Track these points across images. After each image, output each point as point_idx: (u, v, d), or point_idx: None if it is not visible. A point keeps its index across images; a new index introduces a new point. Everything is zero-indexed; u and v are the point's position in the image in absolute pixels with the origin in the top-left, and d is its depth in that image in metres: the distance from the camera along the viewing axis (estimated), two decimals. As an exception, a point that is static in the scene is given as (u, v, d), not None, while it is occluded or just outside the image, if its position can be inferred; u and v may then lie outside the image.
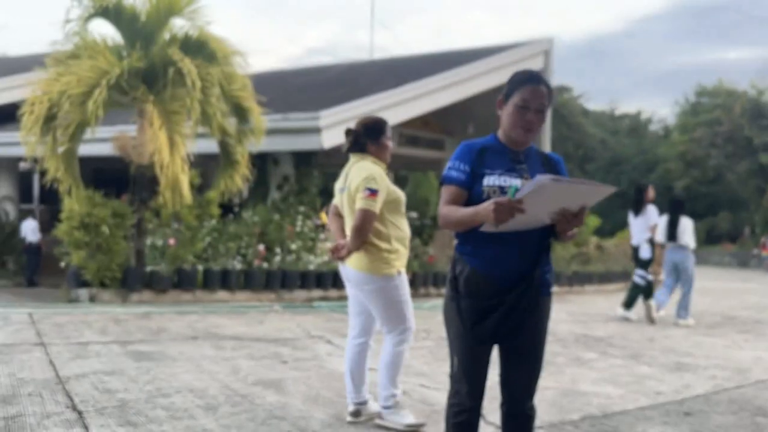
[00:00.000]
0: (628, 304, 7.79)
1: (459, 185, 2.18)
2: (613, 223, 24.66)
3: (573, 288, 11.38)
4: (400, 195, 3.27)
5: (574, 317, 7.90)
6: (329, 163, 12.03)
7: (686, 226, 7.69)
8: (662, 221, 7.71)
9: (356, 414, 3.32)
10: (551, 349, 5.62)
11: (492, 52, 12.17)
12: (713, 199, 32.95)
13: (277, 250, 8.50)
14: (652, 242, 7.66)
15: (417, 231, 13.01)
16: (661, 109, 71.49)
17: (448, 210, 2.17)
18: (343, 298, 8.48)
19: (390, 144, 3.34)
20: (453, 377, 2.27)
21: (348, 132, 3.32)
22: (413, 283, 9.30)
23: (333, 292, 8.53)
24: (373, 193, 3.09)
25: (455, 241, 2.27)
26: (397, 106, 10.45)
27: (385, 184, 3.17)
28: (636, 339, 6.42)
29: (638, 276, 7.72)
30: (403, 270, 3.26)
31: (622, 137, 39.13)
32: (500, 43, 13.62)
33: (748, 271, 21.34)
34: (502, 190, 2.12)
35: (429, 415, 3.47)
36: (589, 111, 40.27)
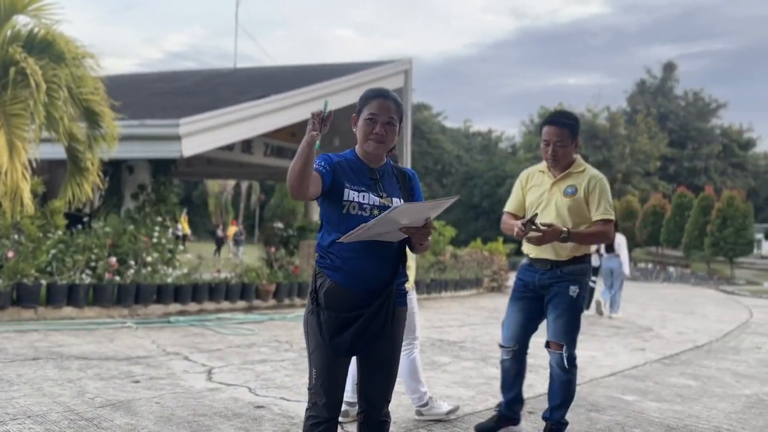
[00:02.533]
0: (587, 305, 9.30)
1: (317, 171, 2.22)
2: (466, 234, 25.99)
3: (431, 295, 11.91)
4: None
5: (431, 323, 8.28)
6: (190, 172, 11.62)
7: (621, 241, 9.82)
8: None
9: (345, 414, 3.63)
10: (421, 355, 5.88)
11: (357, 68, 12.51)
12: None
13: (132, 262, 8.06)
14: (599, 253, 9.59)
15: (283, 241, 12.95)
16: (510, 128, 77.06)
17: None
18: (204, 311, 8.26)
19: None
20: (311, 389, 2.32)
21: None
22: (276, 294, 9.24)
23: (192, 306, 8.24)
24: None
25: (316, 255, 2.35)
26: (262, 117, 10.38)
27: None
28: (485, 342, 6.87)
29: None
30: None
31: (475, 154, 41.59)
32: (365, 60, 14.03)
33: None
34: (360, 206, 2.23)
35: (288, 428, 3.50)
36: (447, 128, 42.38)
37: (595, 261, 9.56)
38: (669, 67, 44.64)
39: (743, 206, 23.63)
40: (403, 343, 3.41)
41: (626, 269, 10.08)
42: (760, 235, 29.89)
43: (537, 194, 3.47)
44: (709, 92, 63.89)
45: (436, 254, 12.86)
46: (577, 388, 4.79)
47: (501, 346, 3.59)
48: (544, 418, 3.52)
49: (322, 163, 2.26)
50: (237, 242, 25.55)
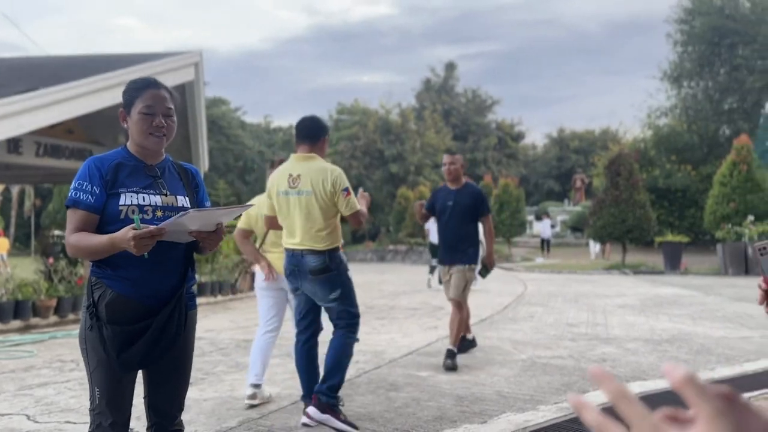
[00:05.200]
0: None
1: (88, 209, 2.03)
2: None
3: (236, 295, 11.62)
4: None
5: (236, 324, 8.09)
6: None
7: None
8: None
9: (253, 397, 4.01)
10: (212, 359, 5.68)
11: (141, 59, 11.65)
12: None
13: None
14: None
15: (63, 251, 11.64)
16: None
17: (78, 239, 2.00)
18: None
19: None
20: (94, 410, 2.11)
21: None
22: (58, 310, 8.31)
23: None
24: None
25: (90, 264, 2.14)
26: (29, 113, 9.22)
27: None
28: (291, 338, 6.87)
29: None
30: None
31: (277, 149, 41.38)
32: (152, 51, 13.13)
33: (385, 264, 24.76)
34: (141, 209, 2.08)
35: (76, 453, 3.17)
36: (247, 124, 41.53)
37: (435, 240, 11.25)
38: (450, 67, 48.60)
39: (516, 192, 26.59)
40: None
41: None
42: (531, 217, 33.91)
43: None
44: (485, 90, 70.80)
45: (241, 253, 12.56)
46: (379, 371, 5.03)
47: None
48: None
49: (91, 199, 2.03)
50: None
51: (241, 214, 3.78)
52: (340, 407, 3.65)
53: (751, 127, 24.47)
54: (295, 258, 3.60)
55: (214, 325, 8.00)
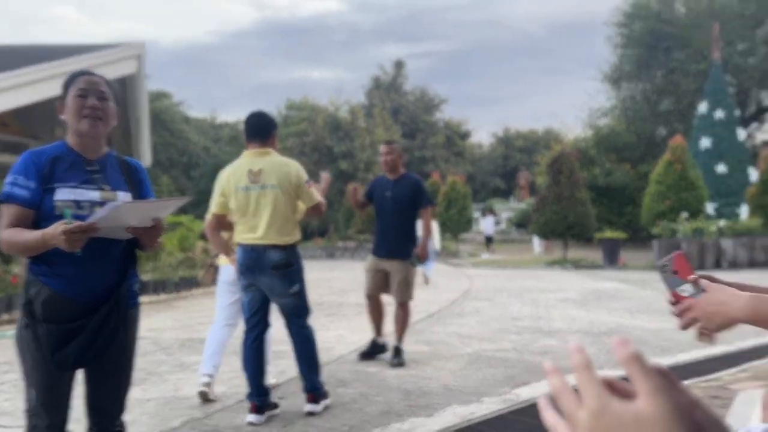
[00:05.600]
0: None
1: (23, 204, 1.97)
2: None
3: (180, 294, 11.37)
4: None
5: (181, 323, 7.93)
6: None
7: (435, 227, 12.49)
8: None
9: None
10: (155, 358, 5.56)
11: (80, 50, 11.25)
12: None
13: None
14: None
15: (-5, 249, 11.14)
16: (253, 119, 76.73)
17: (10, 234, 1.94)
18: None
19: None
20: (30, 411, 2.05)
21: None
22: (-9, 311, 7.95)
23: None
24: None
25: (27, 261, 2.07)
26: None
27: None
28: (237, 335, 6.79)
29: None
30: None
31: (224, 145, 40.68)
32: (91, 42, 12.69)
33: (334, 261, 24.69)
34: (78, 204, 2.01)
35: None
36: (191, 118, 40.64)
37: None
38: (399, 65, 48.84)
39: (464, 189, 26.98)
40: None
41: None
42: (477, 214, 34.48)
43: None
44: (433, 88, 71.41)
45: (185, 250, 12.30)
46: (328, 367, 5.03)
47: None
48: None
49: (26, 194, 1.96)
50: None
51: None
52: (276, 406, 3.81)
53: (685, 127, 25.55)
54: (255, 253, 3.60)
55: (158, 324, 7.81)
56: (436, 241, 14.45)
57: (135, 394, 4.02)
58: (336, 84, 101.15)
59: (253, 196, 3.59)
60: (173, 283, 11.14)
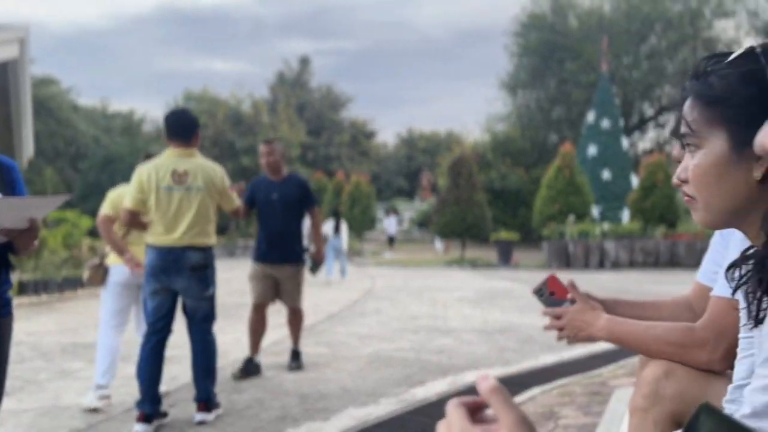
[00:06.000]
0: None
1: None
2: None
3: (64, 294, 10.67)
4: None
5: (63, 326, 7.43)
6: None
7: (344, 226, 14.15)
8: (330, 223, 13.94)
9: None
10: (34, 365, 5.18)
11: (-49, 28, 10.24)
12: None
13: None
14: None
15: None
16: (154, 109, 73.60)
17: None
18: None
19: None
20: None
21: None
22: None
23: None
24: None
25: None
26: None
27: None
28: (125, 340, 6.46)
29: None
30: None
31: (115, 135, 38.59)
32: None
33: (234, 260, 24.08)
34: None
35: None
36: (80, 107, 38.26)
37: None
38: (304, 61, 48.44)
39: (368, 189, 27.23)
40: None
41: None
42: (381, 213, 34.89)
43: None
44: (339, 87, 71.40)
45: (70, 248, 11.56)
46: (222, 372, 4.89)
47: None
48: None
49: None
50: None
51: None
52: (166, 415, 3.69)
53: (575, 135, 27.11)
54: (172, 254, 3.55)
55: (37, 327, 7.28)
56: (344, 241, 14.48)
57: (8, 405, 3.73)
58: (238, 77, 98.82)
59: (176, 197, 3.59)
60: (56, 284, 10.44)
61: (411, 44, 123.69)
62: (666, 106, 31.13)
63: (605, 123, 22.45)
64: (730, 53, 0.92)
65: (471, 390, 4.37)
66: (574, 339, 1.58)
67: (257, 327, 5.02)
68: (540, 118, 30.35)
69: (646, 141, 33.03)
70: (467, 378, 4.74)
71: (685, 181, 0.96)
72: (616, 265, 17.18)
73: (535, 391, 4.22)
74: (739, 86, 0.88)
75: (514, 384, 4.48)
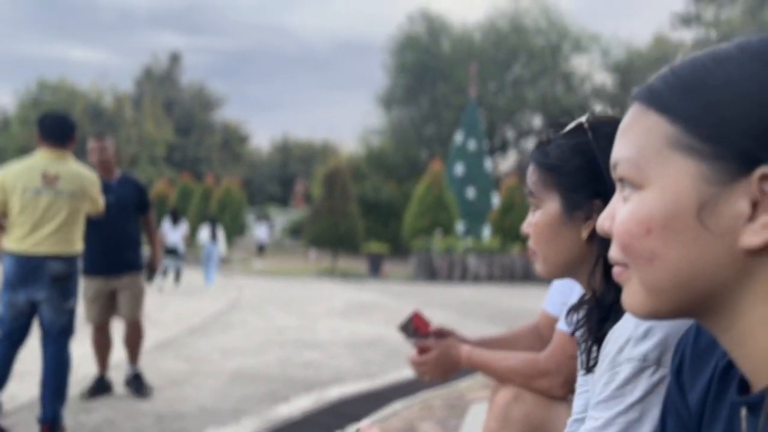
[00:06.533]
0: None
1: None
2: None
3: None
4: None
5: None
6: None
7: (220, 232, 14.60)
8: (206, 229, 14.22)
9: None
10: None
11: None
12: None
13: None
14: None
15: None
16: (1, 97, 66.84)
17: None
18: None
19: None
20: None
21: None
22: None
23: None
24: None
25: None
26: None
27: None
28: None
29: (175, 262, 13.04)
30: None
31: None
32: None
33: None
34: None
35: None
36: None
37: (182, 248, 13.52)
38: (175, 57, 46.33)
39: (239, 194, 26.56)
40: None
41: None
42: (252, 219, 34.16)
43: None
44: (211, 86, 69.14)
45: None
46: (70, 390, 4.52)
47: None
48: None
49: None
50: None
51: None
52: None
53: (444, 152, 28.32)
54: (32, 262, 3.32)
55: None
56: (221, 248, 14.72)
57: None
58: (100, 67, 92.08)
59: (44, 200, 3.39)
60: None
61: (288, 50, 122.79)
62: (526, 131, 33.49)
63: (471, 144, 23.64)
64: (569, 122, 1.05)
65: (335, 406, 4.40)
66: (440, 378, 1.71)
67: (101, 344, 4.59)
68: (413, 135, 31.39)
69: (507, 162, 35.25)
70: (332, 393, 4.76)
71: (527, 236, 1.08)
72: (477, 279, 18.12)
73: (398, 405, 4.33)
74: (570, 156, 1.01)
75: (377, 398, 4.57)
